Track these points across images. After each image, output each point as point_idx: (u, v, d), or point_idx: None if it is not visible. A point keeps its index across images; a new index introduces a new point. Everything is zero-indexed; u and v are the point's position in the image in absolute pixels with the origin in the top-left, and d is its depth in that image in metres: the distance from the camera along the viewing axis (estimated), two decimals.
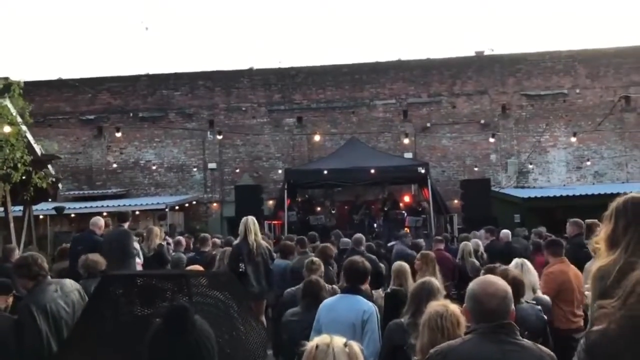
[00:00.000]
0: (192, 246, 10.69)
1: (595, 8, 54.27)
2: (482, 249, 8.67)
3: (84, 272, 5.07)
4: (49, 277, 4.06)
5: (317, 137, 18.71)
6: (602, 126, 20.25)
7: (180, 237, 10.06)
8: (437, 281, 3.87)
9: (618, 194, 2.71)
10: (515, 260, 5.08)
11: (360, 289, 3.88)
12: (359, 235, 8.05)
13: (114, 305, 2.42)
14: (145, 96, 22.20)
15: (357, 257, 4.24)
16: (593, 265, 2.57)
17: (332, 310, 3.72)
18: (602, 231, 2.55)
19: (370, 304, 3.81)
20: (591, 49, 21.38)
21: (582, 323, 5.28)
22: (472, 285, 2.45)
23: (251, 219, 6.75)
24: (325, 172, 15.60)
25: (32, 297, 3.81)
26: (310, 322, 3.73)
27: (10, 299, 4.05)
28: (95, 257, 5.14)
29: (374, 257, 7.28)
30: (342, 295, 3.92)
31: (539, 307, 4.12)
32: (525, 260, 5.12)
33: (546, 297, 4.82)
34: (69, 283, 4.09)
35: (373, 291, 5.01)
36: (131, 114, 21.92)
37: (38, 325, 3.64)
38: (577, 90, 20.92)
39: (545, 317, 4.14)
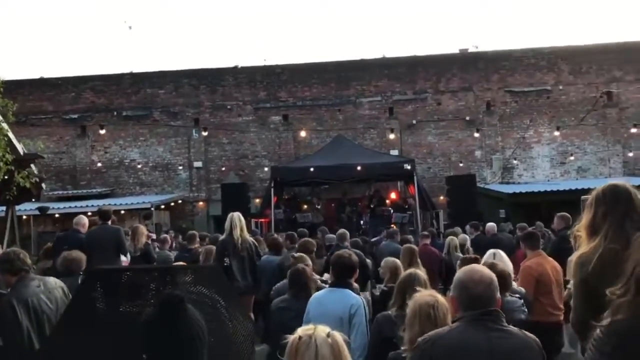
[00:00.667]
0: (176, 244, 10.64)
1: (577, 5, 54.90)
2: (468, 243, 8.74)
3: (63, 269, 5.02)
4: (31, 273, 4.06)
5: (303, 133, 18.71)
6: (585, 122, 20.51)
7: (166, 235, 10.01)
8: (422, 273, 3.90)
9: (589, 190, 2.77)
10: (489, 251, 5.12)
11: (349, 282, 3.91)
12: (342, 230, 8.09)
13: (99, 301, 2.43)
14: (130, 95, 22.03)
15: (344, 251, 4.26)
16: (575, 253, 2.61)
17: (320, 303, 3.75)
18: (583, 219, 2.60)
19: (358, 297, 3.84)
20: (574, 46, 21.64)
21: (561, 317, 5.30)
22: (458, 274, 2.48)
23: (237, 215, 6.78)
24: (312, 169, 15.60)
25: (14, 292, 3.81)
26: (298, 310, 3.77)
27: (16, 278, 4.00)
28: (76, 254, 5.09)
29: (359, 251, 7.30)
30: (331, 289, 3.95)
31: (522, 301, 4.16)
32: (499, 250, 5.17)
33: (523, 290, 4.86)
34: (53, 280, 4.10)
35: (361, 293, 5.03)
36: (115, 113, 21.74)
37: (19, 319, 3.64)
38: (560, 87, 21.16)
39: (526, 311, 4.19)
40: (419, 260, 5.65)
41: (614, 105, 20.98)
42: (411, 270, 3.92)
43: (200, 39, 53.92)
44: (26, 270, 3.94)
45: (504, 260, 4.88)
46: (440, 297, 2.84)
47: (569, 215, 7.88)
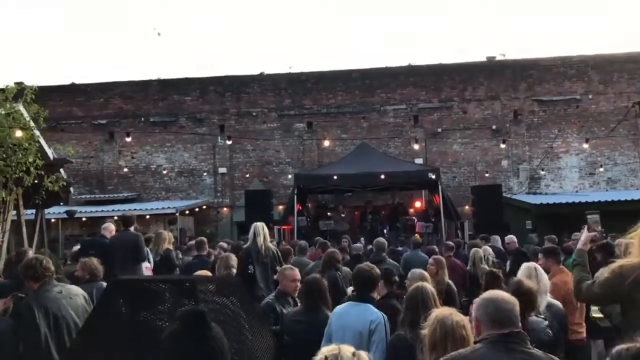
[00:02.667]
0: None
1: (607, 13, 53.92)
2: (492, 255, 8.55)
3: (85, 275, 5.03)
4: (54, 279, 4.11)
5: (326, 143, 18.70)
6: (616, 132, 20.06)
7: (192, 242, 10.05)
8: (430, 285, 3.83)
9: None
10: (526, 265, 4.90)
11: (370, 296, 3.86)
12: (380, 239, 7.99)
13: (121, 310, 2.43)
14: (157, 101, 22.36)
15: (366, 264, 4.19)
16: (622, 260, 2.59)
17: (341, 317, 3.73)
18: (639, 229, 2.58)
19: (379, 313, 3.79)
20: (604, 54, 21.23)
21: (584, 335, 5.17)
22: (482, 296, 2.50)
23: (260, 224, 6.95)
24: (335, 177, 15.56)
25: (34, 296, 3.86)
26: (311, 322, 3.70)
27: (10, 302, 4.07)
28: (92, 262, 5.13)
29: (395, 263, 7.24)
30: (352, 303, 3.92)
31: (547, 323, 3.95)
32: (537, 266, 4.97)
33: (558, 304, 4.66)
34: (75, 288, 4.17)
35: None
36: (142, 119, 22.08)
37: (37, 322, 3.68)
38: (590, 96, 20.76)
39: (550, 331, 4.01)
40: (446, 271, 5.54)
41: None
42: (418, 283, 3.84)
43: (226, 47, 54.50)
44: (49, 276, 3.99)
45: (542, 277, 4.60)
46: (460, 316, 2.77)
47: None
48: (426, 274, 5.10)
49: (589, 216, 3.41)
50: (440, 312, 2.81)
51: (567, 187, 20.64)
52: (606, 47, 52.42)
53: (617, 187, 20.37)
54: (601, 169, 20.28)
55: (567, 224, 14.97)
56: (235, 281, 5.19)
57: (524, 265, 4.93)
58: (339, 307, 3.89)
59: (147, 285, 2.57)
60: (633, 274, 2.38)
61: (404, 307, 3.67)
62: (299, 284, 4.44)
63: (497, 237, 10.84)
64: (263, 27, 57.46)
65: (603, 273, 2.85)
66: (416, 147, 18.86)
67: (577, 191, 20.12)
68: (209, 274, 4.76)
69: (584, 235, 3.42)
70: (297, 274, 4.54)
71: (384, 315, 3.75)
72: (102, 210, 17.78)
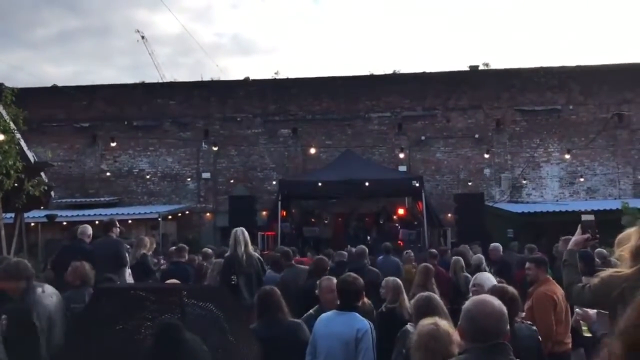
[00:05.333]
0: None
1: (589, 25, 54.90)
2: (484, 263, 8.56)
3: (76, 280, 4.97)
4: (32, 281, 4.12)
5: (312, 150, 18.73)
6: (595, 143, 20.39)
7: (173, 248, 9.93)
8: (437, 296, 3.83)
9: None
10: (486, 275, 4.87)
11: (356, 305, 3.85)
12: (361, 247, 7.95)
13: (106, 317, 2.42)
14: (141, 105, 22.18)
15: (348, 275, 4.13)
16: (612, 270, 2.62)
17: (327, 325, 3.71)
18: (632, 242, 2.59)
19: (366, 321, 3.79)
20: (585, 66, 21.59)
21: (570, 346, 5.19)
22: (468, 304, 2.43)
23: (240, 230, 6.66)
24: (320, 184, 15.57)
25: (28, 298, 3.88)
26: (268, 338, 3.57)
27: (22, 284, 4.00)
28: (83, 267, 5.07)
29: (376, 270, 7.22)
30: (338, 311, 3.89)
31: (535, 327, 3.99)
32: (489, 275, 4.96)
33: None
34: (48, 287, 4.19)
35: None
36: (126, 123, 21.87)
37: (35, 324, 3.72)
38: (571, 107, 21.08)
39: (540, 338, 4.07)
40: (433, 280, 5.53)
41: (624, 126, 20.85)
42: (427, 294, 3.84)
43: (213, 53, 54.31)
44: (29, 277, 4.01)
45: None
46: (443, 325, 2.77)
47: None
48: (399, 282, 5.08)
49: (583, 217, 3.39)
50: (423, 323, 2.82)
51: (548, 197, 20.90)
52: (587, 59, 53.36)
53: (597, 196, 20.68)
54: (582, 179, 20.57)
55: (548, 232, 15.21)
56: (218, 288, 5.15)
57: (485, 275, 4.91)
58: (323, 316, 3.87)
59: (131, 293, 2.55)
60: (620, 286, 2.41)
61: (414, 316, 3.63)
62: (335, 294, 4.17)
63: (467, 247, 10.91)
64: (250, 33, 57.43)
65: (593, 280, 2.86)
66: (402, 155, 18.99)
67: (557, 200, 20.37)
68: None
69: (577, 236, 3.39)
70: (333, 284, 4.33)
71: (370, 323, 3.75)
72: (83, 215, 17.53)
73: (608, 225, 3.49)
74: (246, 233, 6.70)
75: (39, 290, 4.01)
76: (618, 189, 20.73)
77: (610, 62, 21.97)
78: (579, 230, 3.36)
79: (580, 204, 18.71)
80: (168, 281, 4.43)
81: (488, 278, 4.80)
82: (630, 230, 2.73)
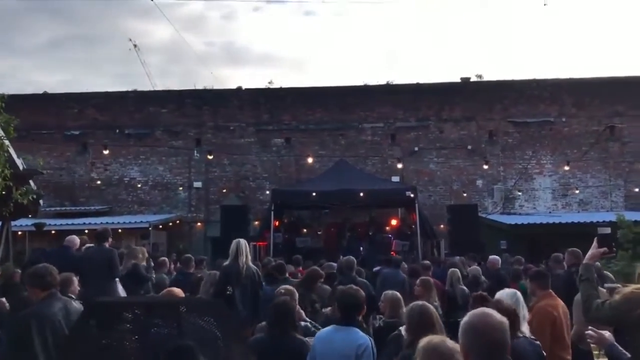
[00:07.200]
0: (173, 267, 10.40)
1: (582, 38, 55.50)
2: (482, 277, 8.46)
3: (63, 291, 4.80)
4: (59, 292, 3.95)
5: (310, 160, 18.65)
6: (588, 155, 20.47)
7: (164, 258, 9.81)
8: (430, 305, 3.71)
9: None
10: (507, 292, 4.75)
11: (356, 320, 3.72)
12: (350, 258, 7.74)
13: (98, 333, 2.36)
14: (132, 113, 22.01)
15: (350, 287, 4.03)
16: (632, 285, 2.53)
17: (326, 342, 3.58)
18: None
19: (366, 337, 3.67)
20: (577, 78, 21.77)
21: None
22: (470, 318, 2.28)
23: (243, 242, 6.62)
24: (314, 194, 15.46)
25: (36, 309, 3.72)
26: (278, 349, 3.50)
27: (44, 294, 3.83)
28: (65, 276, 4.89)
29: (365, 281, 7.07)
30: (338, 327, 3.75)
31: (538, 342, 3.82)
32: (518, 293, 4.83)
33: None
34: (76, 305, 3.92)
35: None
36: (117, 131, 21.68)
37: (32, 336, 3.53)
38: (563, 119, 21.18)
39: (544, 353, 3.93)
40: (435, 293, 5.40)
41: (616, 139, 20.96)
42: (420, 302, 3.72)
43: (206, 61, 54.29)
44: (55, 288, 3.86)
45: (522, 304, 4.33)
46: (450, 343, 2.64)
47: (579, 251, 7.71)
48: (399, 296, 4.94)
49: (600, 231, 3.32)
50: (428, 339, 2.69)
51: (541, 208, 20.92)
52: (579, 72, 53.89)
53: (589, 208, 20.73)
54: (577, 191, 20.62)
55: (541, 244, 15.21)
56: (214, 302, 5.01)
57: (506, 291, 4.76)
58: (322, 331, 3.74)
59: (125, 308, 2.48)
60: None
61: (407, 328, 3.52)
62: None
63: (463, 258, 10.82)
64: (243, 41, 57.50)
65: (614, 296, 2.75)
66: (399, 165, 18.97)
67: (550, 212, 20.40)
68: (177, 291, 4.47)
69: (593, 249, 3.27)
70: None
71: (371, 339, 3.63)
72: (73, 224, 17.29)
73: (602, 238, 3.38)
74: (247, 245, 6.66)
75: (58, 305, 3.77)
76: (610, 201, 20.79)
77: (602, 75, 22.17)
78: (595, 243, 3.25)
79: (573, 216, 18.77)
80: (162, 292, 4.28)
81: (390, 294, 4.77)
82: None
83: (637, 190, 20.33)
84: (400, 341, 3.65)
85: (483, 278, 8.36)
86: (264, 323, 4.52)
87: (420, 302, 3.77)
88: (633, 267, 8.34)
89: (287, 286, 5.05)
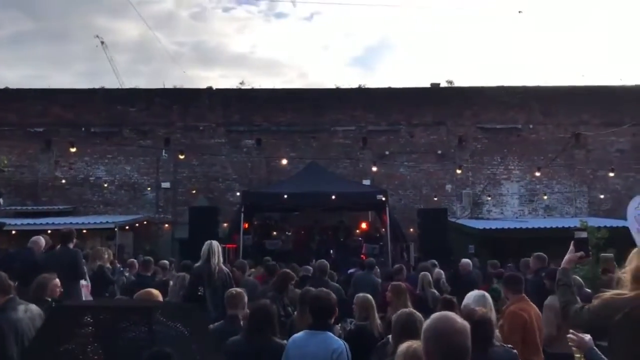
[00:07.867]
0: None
1: (551, 47, 56.85)
2: (443, 278, 8.55)
3: (37, 295, 4.56)
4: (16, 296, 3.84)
5: (284, 161, 18.51)
6: (554, 162, 20.91)
7: (133, 260, 9.60)
8: (417, 312, 3.65)
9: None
10: (475, 293, 4.68)
11: (329, 324, 3.64)
12: (323, 262, 7.71)
13: (67, 336, 2.26)
14: (100, 111, 21.48)
15: (321, 291, 3.95)
16: (614, 291, 2.53)
17: (300, 347, 3.49)
18: (633, 263, 2.52)
19: (341, 341, 3.60)
20: (545, 86, 22.21)
21: None
22: (431, 322, 2.22)
23: (215, 243, 6.54)
24: (286, 196, 15.33)
25: (3, 314, 3.58)
26: (255, 352, 3.40)
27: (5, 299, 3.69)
28: (43, 279, 4.69)
29: (338, 285, 7.01)
30: (311, 331, 3.66)
31: (515, 350, 3.75)
32: (486, 294, 4.81)
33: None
34: (36, 308, 3.83)
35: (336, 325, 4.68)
36: (83, 129, 21.13)
37: (6, 344, 3.42)
38: (531, 126, 21.58)
39: None
40: (407, 297, 5.36)
41: (581, 147, 21.47)
42: (409, 310, 3.65)
43: (176, 60, 53.58)
44: (13, 292, 3.76)
45: (491, 306, 4.46)
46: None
47: (545, 256, 7.84)
48: (370, 298, 4.89)
49: (576, 235, 3.28)
50: (409, 344, 2.63)
51: (508, 213, 21.26)
52: (547, 80, 55.11)
53: (554, 214, 21.16)
54: (545, 197, 21.02)
55: (507, 248, 15.42)
56: (186, 305, 4.88)
57: (475, 293, 4.75)
58: (296, 336, 3.65)
59: (98, 311, 2.45)
60: (624, 309, 2.29)
61: (392, 334, 3.44)
62: None
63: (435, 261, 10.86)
64: (216, 42, 57.01)
65: (593, 301, 2.74)
66: (366, 169, 18.99)
67: (517, 217, 20.75)
68: (155, 292, 4.34)
69: (570, 254, 3.26)
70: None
71: (345, 343, 3.55)
72: (35, 223, 16.71)
73: (566, 242, 3.39)
74: (220, 247, 6.58)
75: (21, 308, 3.67)
76: (574, 207, 21.26)
77: (570, 83, 22.67)
78: (571, 247, 3.24)
79: (539, 222, 19.11)
80: (140, 292, 4.12)
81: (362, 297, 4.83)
82: (632, 253, 2.64)
83: (601, 197, 20.86)
84: (387, 349, 3.60)
85: (443, 280, 8.44)
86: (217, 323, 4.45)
87: (407, 310, 3.72)
88: (596, 272, 8.50)
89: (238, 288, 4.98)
